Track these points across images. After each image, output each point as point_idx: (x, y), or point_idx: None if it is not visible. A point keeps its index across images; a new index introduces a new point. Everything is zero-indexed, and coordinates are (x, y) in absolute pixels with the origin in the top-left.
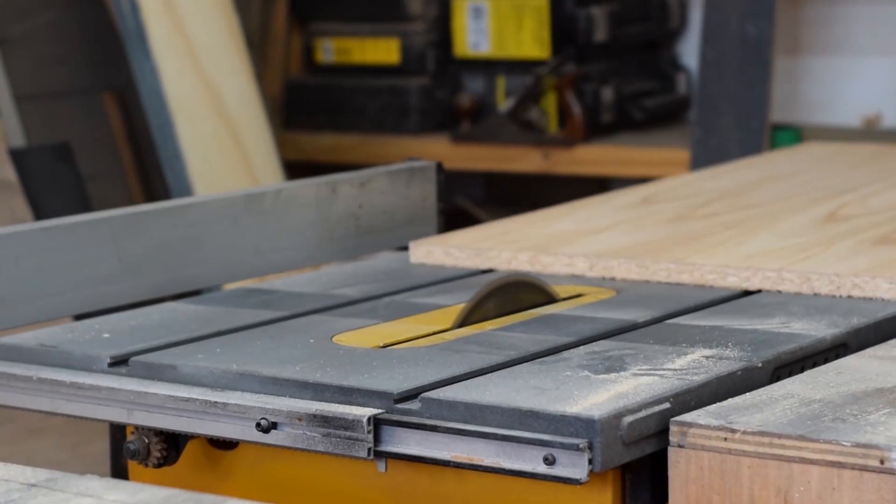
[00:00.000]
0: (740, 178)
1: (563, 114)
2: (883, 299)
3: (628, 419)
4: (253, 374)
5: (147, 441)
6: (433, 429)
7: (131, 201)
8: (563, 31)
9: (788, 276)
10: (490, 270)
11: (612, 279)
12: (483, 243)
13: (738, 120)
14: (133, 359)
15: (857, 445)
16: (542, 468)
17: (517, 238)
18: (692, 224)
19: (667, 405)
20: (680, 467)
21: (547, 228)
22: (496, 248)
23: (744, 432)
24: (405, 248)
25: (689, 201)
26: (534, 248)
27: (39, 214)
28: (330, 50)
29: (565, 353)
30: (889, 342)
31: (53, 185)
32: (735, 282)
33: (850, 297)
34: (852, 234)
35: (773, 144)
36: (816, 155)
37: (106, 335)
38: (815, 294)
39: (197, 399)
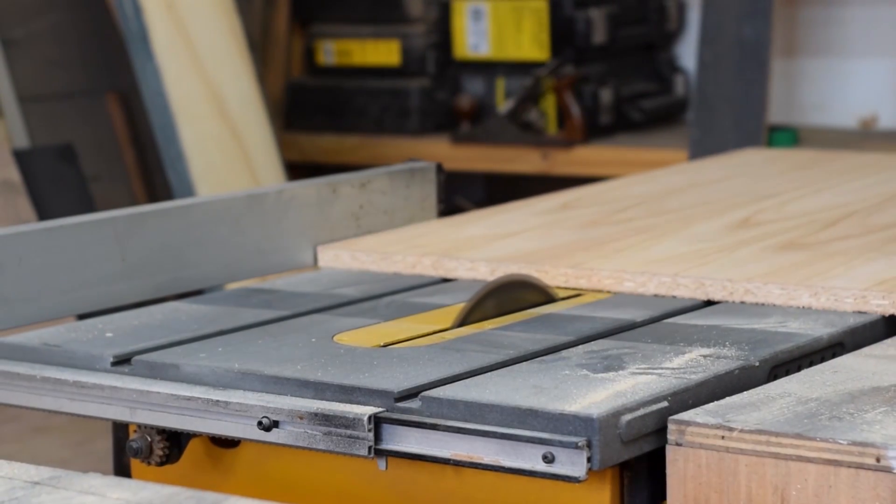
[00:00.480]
0: (666, 184)
1: (562, 115)
2: (775, 305)
3: (627, 418)
4: (254, 373)
5: (150, 439)
6: (433, 427)
7: (134, 202)
8: (562, 33)
9: (683, 282)
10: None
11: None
12: (390, 247)
13: (735, 121)
14: (136, 358)
15: (854, 444)
16: (541, 466)
17: (427, 243)
18: (604, 229)
19: (665, 404)
20: (678, 465)
21: (459, 233)
22: (401, 253)
23: (741, 431)
24: None
25: (607, 207)
26: (438, 252)
27: (43, 215)
28: (331, 52)
29: (564, 353)
30: (885, 341)
31: (57, 185)
32: (631, 287)
33: (742, 302)
34: (759, 239)
35: (770, 145)
36: (750, 161)
37: (109, 334)
38: (710, 300)
39: (199, 398)
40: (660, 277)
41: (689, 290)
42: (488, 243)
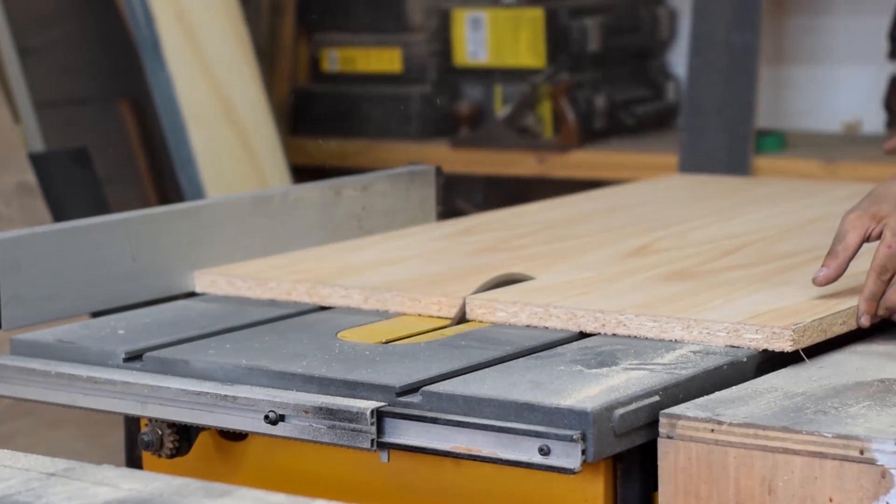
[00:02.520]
0: (577, 210)
1: (558, 120)
2: (647, 338)
3: (620, 411)
4: (261, 369)
5: (160, 433)
6: (433, 421)
7: (146, 203)
8: (558, 41)
9: (555, 312)
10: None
11: (386, 311)
12: (268, 273)
13: (724, 126)
14: (147, 354)
15: (838, 436)
16: (537, 458)
17: (308, 268)
18: (495, 256)
19: (656, 398)
20: (669, 457)
21: (345, 259)
22: (276, 279)
23: (730, 424)
24: None
25: (508, 233)
26: (314, 279)
27: (58, 216)
28: (335, 59)
29: (559, 349)
30: (870, 339)
31: (71, 188)
32: (503, 317)
33: (614, 335)
34: (649, 268)
35: (759, 149)
36: (670, 187)
37: (121, 332)
38: (582, 331)
39: (208, 393)
40: (532, 308)
41: (560, 321)
42: (370, 269)
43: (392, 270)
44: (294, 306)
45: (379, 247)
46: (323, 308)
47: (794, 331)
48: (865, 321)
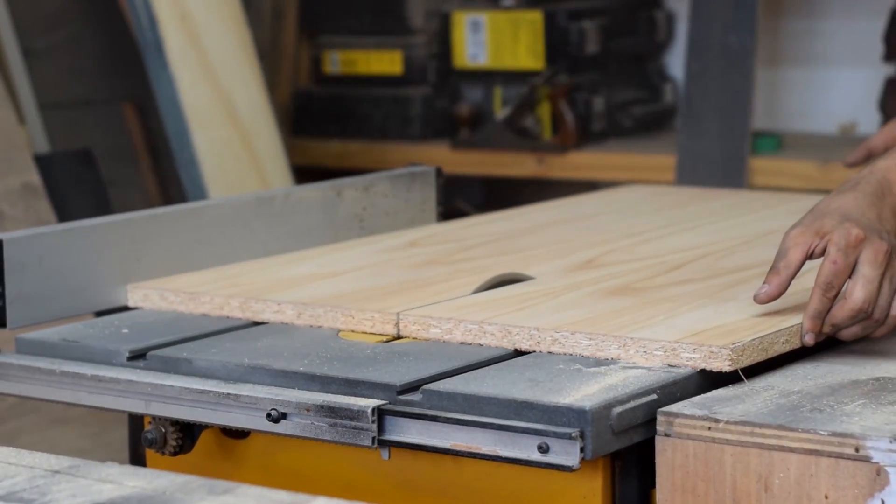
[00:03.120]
0: (529, 221)
1: (557, 122)
2: (583, 355)
3: (618, 410)
4: (263, 368)
5: (164, 430)
6: (434, 419)
7: (149, 204)
8: (557, 44)
9: (489, 329)
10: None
11: (320, 327)
12: (202, 287)
13: (721, 127)
14: (150, 353)
15: (834, 434)
16: (536, 456)
17: (244, 282)
18: (437, 270)
19: (654, 396)
20: (666, 455)
21: (283, 272)
22: (209, 294)
23: (727, 422)
24: None
25: (455, 245)
26: (247, 293)
27: (63, 216)
28: (337, 61)
29: None
30: (865, 338)
31: (76, 188)
32: (437, 333)
33: (550, 353)
34: (593, 283)
35: (755, 150)
36: (628, 198)
37: (125, 331)
38: (517, 349)
39: (211, 391)
40: (466, 324)
41: (495, 339)
42: (308, 283)
43: (329, 284)
44: None
45: (319, 260)
46: (257, 323)
47: (732, 350)
48: (810, 339)
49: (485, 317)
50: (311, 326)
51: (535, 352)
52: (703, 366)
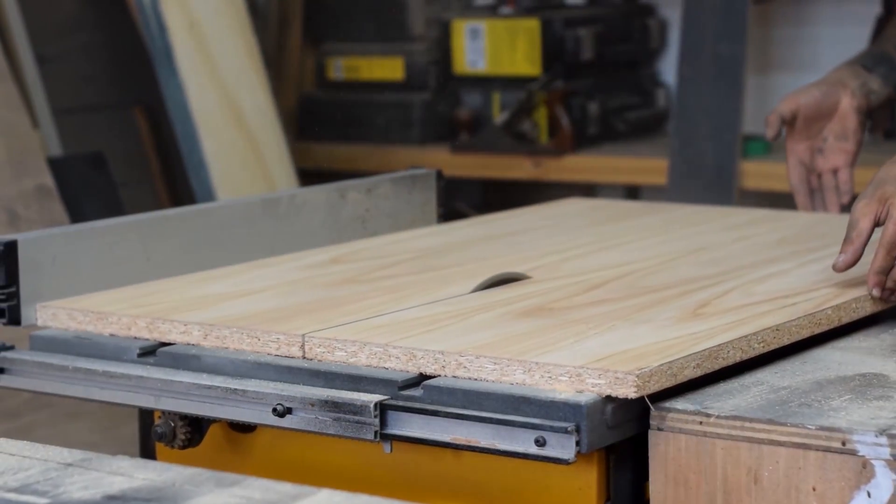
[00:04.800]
0: (459, 236)
1: (553, 126)
2: (487, 380)
3: (612, 405)
4: (269, 364)
5: (173, 425)
6: (434, 413)
7: (159, 206)
8: (553, 50)
9: (394, 352)
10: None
11: (226, 348)
12: (109, 306)
13: (712, 132)
14: (160, 349)
15: (821, 429)
16: (533, 449)
17: (156, 301)
18: (353, 288)
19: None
20: (659, 449)
21: (199, 290)
22: (117, 314)
23: (717, 416)
24: None
25: (377, 262)
26: (154, 314)
27: (75, 218)
28: (340, 67)
29: None
30: (852, 335)
31: (88, 191)
32: (342, 356)
33: (454, 376)
34: (508, 302)
35: (745, 154)
36: (568, 211)
37: None
38: (422, 373)
39: (218, 386)
40: (371, 347)
41: (400, 362)
42: (220, 303)
43: (241, 304)
44: None
45: (236, 278)
46: (164, 344)
47: (638, 376)
48: (877, 293)
49: (390, 339)
50: (218, 348)
51: (439, 376)
52: (608, 392)
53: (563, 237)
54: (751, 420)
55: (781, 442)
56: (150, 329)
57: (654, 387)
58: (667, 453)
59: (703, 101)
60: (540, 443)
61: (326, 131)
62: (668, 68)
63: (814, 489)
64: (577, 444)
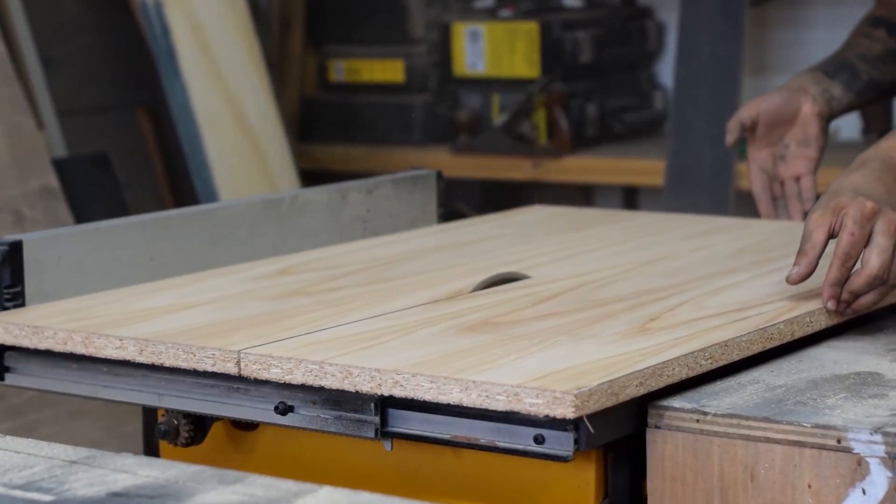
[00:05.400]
0: (416, 246)
1: (552, 127)
2: (425, 400)
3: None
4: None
5: (176, 423)
6: (434, 411)
7: (163, 206)
8: (552, 53)
9: (330, 370)
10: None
11: (161, 365)
12: (47, 320)
13: (709, 133)
14: None
15: (817, 426)
16: (532, 447)
17: (96, 314)
18: (298, 301)
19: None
20: (657, 446)
21: (141, 302)
22: (52, 328)
23: (714, 415)
24: None
25: (328, 272)
26: (90, 328)
27: (80, 218)
28: (341, 70)
29: None
30: (847, 334)
31: (92, 191)
32: (278, 374)
33: (391, 396)
34: (454, 316)
35: (741, 154)
36: (527, 220)
37: None
38: (358, 391)
39: (221, 385)
40: (307, 364)
41: (336, 380)
42: (159, 316)
43: (182, 317)
44: None
45: (180, 290)
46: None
47: (576, 396)
48: (832, 306)
49: (327, 356)
50: (154, 364)
51: (377, 395)
52: (546, 412)
53: (520, 246)
54: (747, 418)
55: (777, 440)
56: (86, 344)
57: (593, 406)
58: (664, 451)
59: (700, 102)
60: (539, 440)
61: (328, 133)
62: (666, 70)
63: (809, 486)
64: (576, 441)
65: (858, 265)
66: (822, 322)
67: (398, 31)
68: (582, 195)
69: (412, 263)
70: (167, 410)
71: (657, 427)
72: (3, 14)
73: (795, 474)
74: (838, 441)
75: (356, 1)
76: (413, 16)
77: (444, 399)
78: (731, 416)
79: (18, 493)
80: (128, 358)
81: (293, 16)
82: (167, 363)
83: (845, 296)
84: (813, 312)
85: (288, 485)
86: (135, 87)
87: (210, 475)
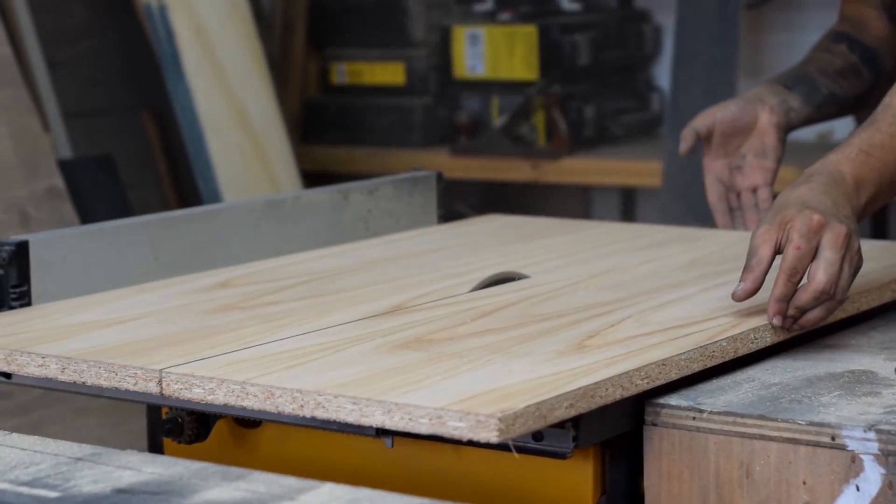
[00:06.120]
0: (362, 258)
1: (550, 129)
2: (347, 422)
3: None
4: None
5: (180, 420)
6: None
7: (167, 207)
8: (550, 55)
9: (251, 391)
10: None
11: (84, 384)
12: None
13: None
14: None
15: (811, 424)
16: (531, 443)
17: (25, 329)
18: (232, 316)
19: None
20: (654, 443)
21: (72, 318)
22: None
23: (710, 412)
24: None
25: (268, 285)
26: (14, 345)
27: (85, 219)
28: (343, 72)
29: None
30: (841, 333)
31: (97, 192)
32: (200, 394)
33: (313, 417)
34: (388, 332)
35: None
36: (482, 230)
37: None
38: (280, 412)
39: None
40: (229, 384)
41: (258, 401)
42: (88, 332)
43: (109, 334)
44: None
45: (114, 304)
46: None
47: (500, 419)
48: (777, 322)
49: (250, 376)
50: (76, 382)
51: (299, 416)
52: (470, 436)
53: (467, 259)
54: (743, 416)
55: (773, 437)
56: (8, 361)
57: (519, 430)
58: (661, 448)
59: (696, 104)
60: (538, 437)
61: (330, 134)
62: (663, 73)
63: (804, 483)
64: (574, 438)
65: (806, 280)
66: (768, 339)
67: (399, 34)
68: (580, 196)
69: (354, 276)
70: (171, 408)
71: (654, 424)
72: (10, 17)
73: (790, 471)
74: (833, 438)
75: (358, 5)
76: (414, 19)
77: (366, 422)
78: (727, 413)
79: (25, 490)
80: (49, 376)
81: (296, 19)
82: (89, 382)
83: (791, 311)
84: (758, 329)
85: (290, 481)
86: (139, 89)
87: (214, 472)
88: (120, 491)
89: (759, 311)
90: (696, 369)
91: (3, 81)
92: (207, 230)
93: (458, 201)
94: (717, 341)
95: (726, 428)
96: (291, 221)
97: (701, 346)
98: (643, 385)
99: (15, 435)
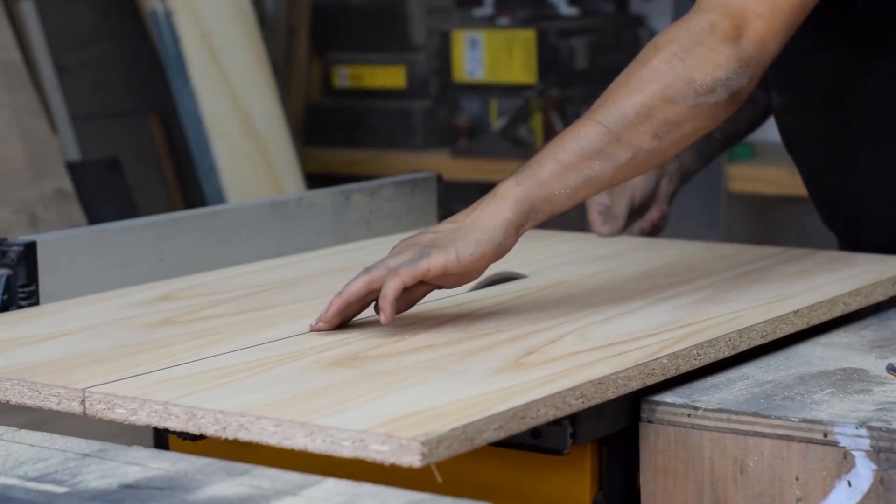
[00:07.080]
0: (313, 269)
1: (549, 132)
2: (269, 444)
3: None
4: None
5: None
6: None
7: (172, 208)
8: (549, 59)
9: (175, 411)
10: None
11: (8, 401)
12: None
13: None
14: None
15: (804, 421)
16: (529, 441)
17: None
18: (168, 331)
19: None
20: (649, 440)
21: (8, 331)
22: None
23: (705, 409)
24: None
25: (211, 298)
26: None
27: (92, 220)
28: (345, 76)
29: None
30: (833, 331)
31: (105, 194)
32: (123, 414)
33: (236, 440)
34: (321, 350)
35: (731, 158)
36: None
37: None
38: (202, 434)
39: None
40: (152, 405)
41: (181, 422)
42: (21, 347)
43: (41, 349)
44: None
45: (54, 316)
46: None
47: (423, 443)
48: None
49: (174, 396)
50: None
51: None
52: (393, 460)
53: None
54: (737, 413)
55: (766, 434)
56: None
57: (443, 453)
58: (656, 444)
59: None
60: (536, 434)
61: (332, 137)
62: None
63: (797, 479)
64: (572, 435)
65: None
66: (711, 356)
67: (400, 38)
68: None
69: (297, 289)
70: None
71: (649, 421)
72: (19, 23)
73: (783, 467)
74: (825, 435)
75: (360, 10)
76: (414, 24)
77: (288, 444)
78: (722, 410)
79: (33, 485)
80: None
81: (299, 24)
82: (13, 400)
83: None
84: (701, 345)
85: (294, 477)
86: (145, 93)
87: (218, 467)
88: (126, 486)
89: (703, 327)
90: (635, 387)
91: (12, 85)
92: (212, 231)
93: (457, 202)
94: (657, 358)
95: (721, 425)
96: (294, 222)
97: (640, 364)
98: (577, 405)
99: (24, 431)
